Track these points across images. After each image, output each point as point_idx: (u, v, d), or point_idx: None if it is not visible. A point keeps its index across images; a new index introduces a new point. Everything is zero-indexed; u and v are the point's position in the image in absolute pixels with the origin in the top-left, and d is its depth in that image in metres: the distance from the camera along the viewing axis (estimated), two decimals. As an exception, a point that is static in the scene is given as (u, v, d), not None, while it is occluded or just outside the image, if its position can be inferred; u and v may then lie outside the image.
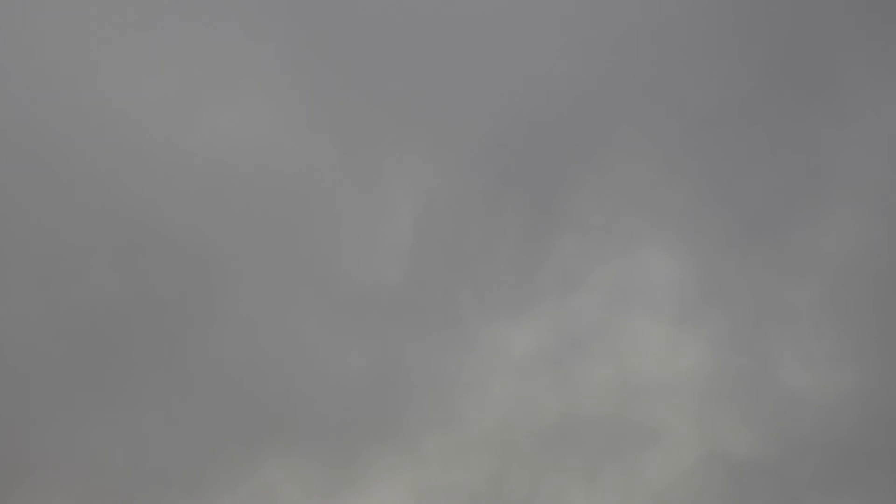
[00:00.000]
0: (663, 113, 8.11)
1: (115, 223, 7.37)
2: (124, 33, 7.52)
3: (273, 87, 7.66)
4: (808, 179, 7.95)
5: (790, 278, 7.78)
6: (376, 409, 7.39)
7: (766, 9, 8.08)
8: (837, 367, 7.50)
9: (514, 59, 8.01)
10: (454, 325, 7.65)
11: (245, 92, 7.64)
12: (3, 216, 7.23)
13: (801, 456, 7.24)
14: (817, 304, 7.69)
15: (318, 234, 7.65)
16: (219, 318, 7.42)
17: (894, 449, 7.12)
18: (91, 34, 7.46)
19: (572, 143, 8.05)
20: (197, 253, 7.45)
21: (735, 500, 7.37)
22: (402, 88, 7.84)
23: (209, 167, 7.54)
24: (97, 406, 7.14)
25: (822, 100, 7.98)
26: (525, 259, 7.85)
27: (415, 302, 7.63)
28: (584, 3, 8.05)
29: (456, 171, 7.87)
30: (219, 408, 7.24)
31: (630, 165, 8.08)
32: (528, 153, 8.02)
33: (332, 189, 7.70)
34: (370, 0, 7.87)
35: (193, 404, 7.24)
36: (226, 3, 7.68)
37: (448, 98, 7.88)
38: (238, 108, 7.63)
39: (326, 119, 7.73)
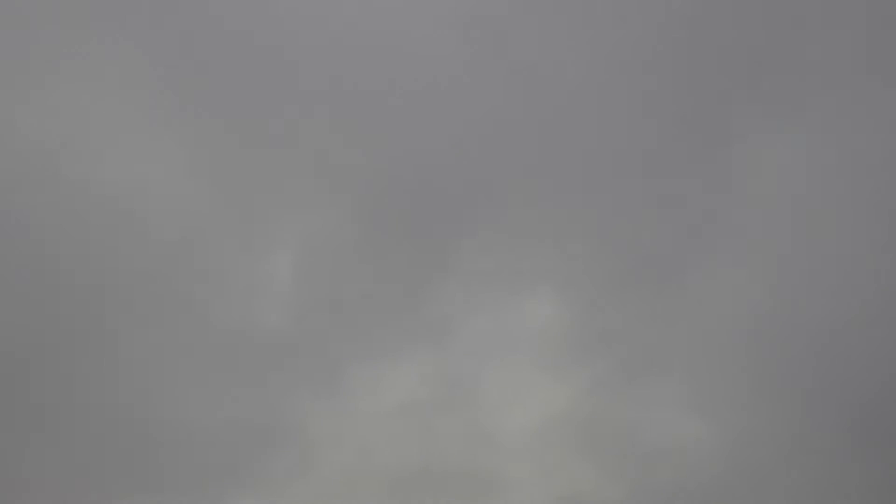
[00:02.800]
0: (556, 162, 8.17)
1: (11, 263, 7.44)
2: (16, 79, 7.64)
3: (154, 133, 7.74)
4: (691, 232, 8.01)
5: (667, 328, 7.80)
6: (239, 454, 7.38)
7: (666, 68, 8.16)
8: (708, 416, 7.51)
9: (403, 106, 8.07)
10: (329, 373, 7.67)
11: (126, 138, 7.73)
12: None
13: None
14: (692, 353, 7.72)
15: (197, 278, 7.69)
16: (94, 360, 7.45)
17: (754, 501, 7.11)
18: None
19: (461, 189, 8.10)
20: (79, 295, 7.50)
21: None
22: (285, 134, 7.91)
23: (92, 211, 7.62)
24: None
25: (712, 157, 8.05)
26: (406, 306, 7.87)
27: (291, 349, 7.66)
28: (480, 49, 8.11)
29: (338, 217, 7.93)
30: (85, 448, 7.24)
31: (518, 213, 8.14)
32: (415, 200, 8.07)
33: (211, 234, 7.75)
34: (256, 47, 7.96)
35: (62, 446, 7.25)
36: (110, 48, 7.78)
37: (332, 144, 7.94)
38: (120, 155, 7.72)
39: (207, 164, 7.80)
